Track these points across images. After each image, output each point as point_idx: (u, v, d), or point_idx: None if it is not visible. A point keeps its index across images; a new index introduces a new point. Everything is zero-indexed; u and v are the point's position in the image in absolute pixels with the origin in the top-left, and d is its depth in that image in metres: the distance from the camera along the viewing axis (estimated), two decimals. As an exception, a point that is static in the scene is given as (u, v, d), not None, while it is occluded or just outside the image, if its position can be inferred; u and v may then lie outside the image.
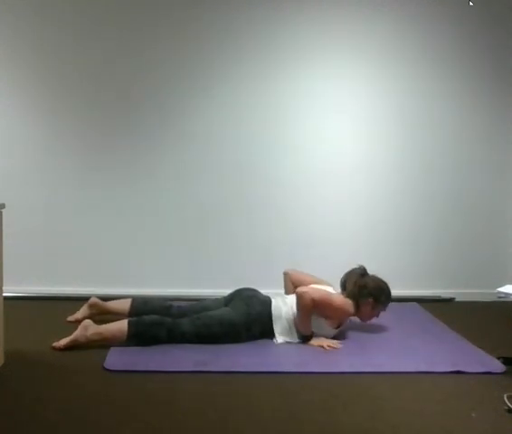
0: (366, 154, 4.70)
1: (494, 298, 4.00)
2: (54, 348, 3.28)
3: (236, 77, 4.61)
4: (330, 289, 3.71)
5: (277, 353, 3.40)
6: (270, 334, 3.57)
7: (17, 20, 4.49)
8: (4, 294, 3.12)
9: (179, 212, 4.64)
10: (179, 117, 4.61)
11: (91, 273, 4.57)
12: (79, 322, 3.52)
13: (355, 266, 3.75)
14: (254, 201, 4.66)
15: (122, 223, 4.62)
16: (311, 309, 3.47)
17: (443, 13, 4.65)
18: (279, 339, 3.54)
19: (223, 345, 3.40)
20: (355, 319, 3.77)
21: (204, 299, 3.84)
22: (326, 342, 3.49)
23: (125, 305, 3.74)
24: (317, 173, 4.68)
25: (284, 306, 3.61)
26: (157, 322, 3.40)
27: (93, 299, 3.84)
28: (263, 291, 3.75)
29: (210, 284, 4.52)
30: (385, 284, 3.70)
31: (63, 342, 3.30)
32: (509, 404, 2.65)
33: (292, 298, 3.66)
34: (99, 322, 3.45)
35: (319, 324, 3.55)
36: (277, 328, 3.56)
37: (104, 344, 3.30)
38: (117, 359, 3.15)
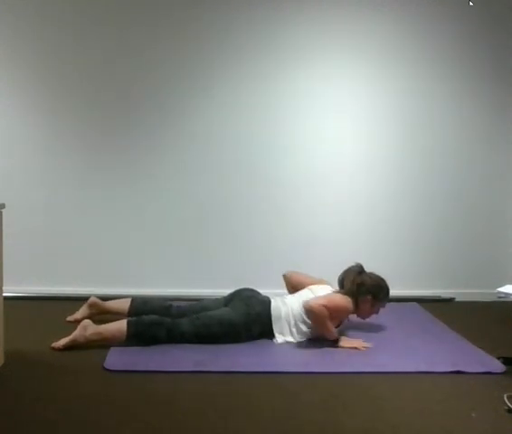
0: (366, 154, 4.70)
1: (494, 298, 4.00)
2: (54, 348, 3.28)
3: (236, 77, 4.61)
4: (329, 289, 3.71)
5: (277, 353, 3.40)
6: (269, 334, 3.57)
7: (17, 20, 4.49)
8: (4, 294, 3.12)
9: (179, 212, 4.64)
10: (179, 117, 4.61)
11: (91, 273, 4.57)
12: (78, 322, 3.51)
13: (352, 264, 3.75)
14: (254, 201, 4.66)
15: (122, 223, 4.62)
16: (327, 315, 3.43)
17: (443, 13, 4.65)
18: (279, 339, 3.54)
19: (223, 345, 3.40)
20: (355, 318, 3.77)
21: (204, 299, 3.84)
22: (357, 342, 3.49)
23: (124, 304, 3.74)
24: (317, 173, 4.68)
25: (283, 306, 3.61)
26: (157, 322, 3.40)
27: (92, 299, 3.84)
28: (263, 291, 3.74)
29: (210, 284, 4.52)
30: (383, 280, 3.70)
31: (63, 342, 3.30)
32: (509, 404, 2.65)
33: (292, 299, 3.66)
34: (98, 322, 3.45)
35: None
36: (276, 328, 3.56)
37: (103, 343, 3.30)
38: (117, 359, 3.15)
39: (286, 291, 3.91)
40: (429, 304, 4.49)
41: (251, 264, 4.60)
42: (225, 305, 3.66)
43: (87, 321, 3.38)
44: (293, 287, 3.83)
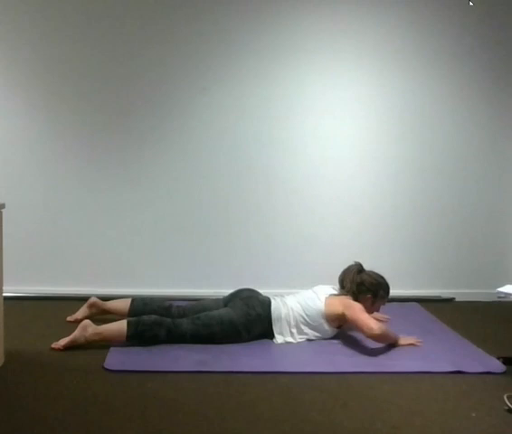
0: (366, 154, 4.70)
1: (494, 298, 4.00)
2: (54, 349, 3.28)
3: (236, 77, 4.61)
4: (329, 288, 3.71)
5: (277, 353, 3.40)
6: (269, 334, 3.57)
7: (17, 20, 4.49)
8: (4, 294, 3.12)
9: (179, 212, 4.64)
10: (179, 117, 4.61)
11: (91, 273, 4.56)
12: (78, 322, 3.51)
13: (351, 263, 3.75)
14: (254, 201, 4.66)
15: (122, 223, 4.62)
16: (384, 328, 3.44)
17: (443, 12, 4.65)
18: (279, 339, 3.54)
19: (223, 345, 3.40)
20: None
21: (204, 299, 3.84)
22: (412, 339, 3.51)
23: (124, 305, 3.74)
24: (317, 173, 4.68)
25: (284, 306, 3.61)
26: (157, 322, 3.40)
27: (93, 299, 3.84)
28: (263, 291, 3.74)
29: (210, 284, 4.52)
30: (383, 278, 3.69)
31: (63, 342, 3.30)
32: (509, 404, 2.65)
33: (293, 300, 3.65)
34: (98, 322, 3.45)
35: (321, 325, 3.56)
36: (276, 329, 3.56)
37: (103, 344, 3.29)
38: (117, 359, 3.15)
39: (286, 291, 3.91)
40: (429, 304, 4.49)
41: (251, 264, 4.60)
42: (225, 305, 3.66)
43: (87, 321, 3.38)
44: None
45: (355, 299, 3.61)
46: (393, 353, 3.38)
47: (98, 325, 3.37)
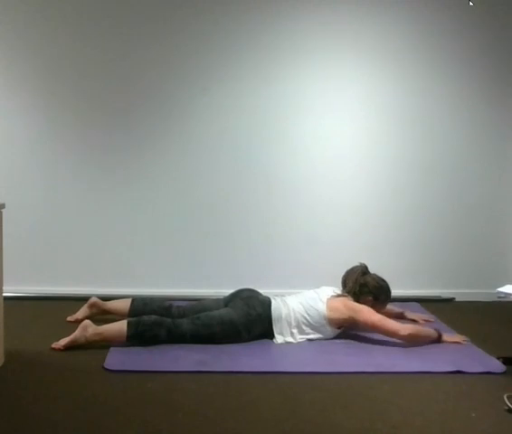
0: (366, 154, 4.70)
1: (494, 298, 4.00)
2: (54, 349, 3.28)
3: (235, 77, 4.61)
4: (331, 289, 3.71)
5: (277, 353, 3.40)
6: (269, 334, 3.57)
7: (17, 20, 4.49)
8: (4, 294, 3.12)
9: (179, 212, 4.64)
10: (179, 117, 4.61)
11: (91, 273, 4.57)
12: (78, 322, 3.51)
13: (356, 264, 3.75)
14: (254, 201, 4.66)
15: (122, 223, 4.62)
16: (414, 328, 3.55)
17: (443, 12, 4.65)
18: (279, 339, 3.54)
19: (223, 345, 3.40)
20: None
21: (204, 299, 3.84)
22: (459, 337, 3.54)
23: (125, 305, 3.74)
24: (317, 173, 4.68)
25: (284, 307, 3.60)
26: (157, 322, 3.40)
27: (93, 299, 3.84)
28: (263, 291, 3.74)
29: (210, 284, 4.52)
30: (386, 283, 3.70)
31: (63, 342, 3.30)
32: (509, 404, 2.65)
33: (295, 300, 3.65)
34: (98, 322, 3.45)
35: (322, 326, 3.56)
36: (276, 329, 3.56)
37: (103, 344, 3.29)
38: (117, 359, 3.15)
39: (286, 291, 3.91)
40: (429, 304, 4.49)
41: (251, 264, 4.60)
42: (225, 305, 3.66)
43: (87, 321, 3.37)
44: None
45: (356, 300, 3.61)
46: (393, 353, 3.38)
47: (98, 325, 3.37)
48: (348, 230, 4.69)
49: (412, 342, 3.46)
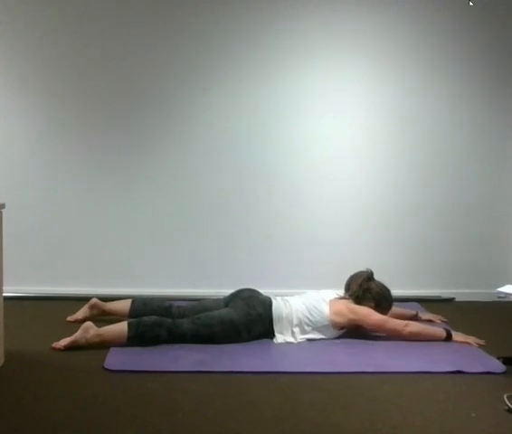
0: (366, 154, 4.70)
1: (494, 298, 4.00)
2: (54, 349, 3.28)
3: (235, 77, 4.61)
4: (333, 291, 3.71)
5: (277, 353, 3.40)
6: (270, 334, 3.57)
7: (17, 20, 4.49)
8: (4, 294, 3.12)
9: (179, 212, 4.64)
10: (179, 117, 4.61)
11: (91, 273, 4.57)
12: (79, 322, 3.52)
13: (362, 269, 3.74)
14: (254, 201, 4.66)
15: (122, 223, 4.62)
16: (419, 327, 3.60)
17: (443, 12, 4.65)
18: (279, 339, 3.54)
19: (223, 345, 3.40)
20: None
21: (205, 300, 3.84)
22: (471, 338, 3.54)
23: (125, 306, 3.74)
24: (317, 173, 4.68)
25: (285, 307, 3.60)
26: (157, 323, 3.39)
27: (93, 300, 3.84)
28: (263, 291, 3.74)
29: (210, 284, 4.52)
30: (389, 291, 3.71)
31: (63, 343, 3.30)
32: (509, 404, 2.65)
33: (298, 300, 3.65)
34: (99, 323, 3.44)
35: (324, 326, 3.56)
36: (277, 328, 3.56)
37: (104, 345, 3.29)
38: (117, 359, 3.15)
39: (286, 291, 3.91)
40: (429, 304, 4.49)
41: (251, 264, 4.60)
42: (226, 305, 3.66)
43: (89, 323, 3.37)
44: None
45: (358, 304, 3.62)
46: (393, 353, 3.38)
47: (98, 326, 3.37)
48: (348, 230, 4.69)
49: (416, 340, 3.49)
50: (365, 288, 3.65)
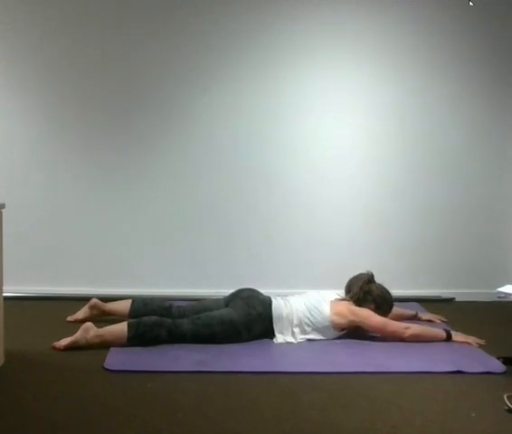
0: (366, 154, 4.70)
1: (494, 298, 4.00)
2: (54, 348, 3.28)
3: (235, 77, 4.62)
4: (334, 292, 3.71)
5: (277, 353, 3.40)
6: (270, 334, 3.57)
7: (17, 20, 4.49)
8: (4, 294, 3.12)
9: (179, 212, 4.64)
10: (179, 117, 4.61)
11: (91, 273, 4.56)
12: (79, 322, 3.52)
13: (362, 269, 3.74)
14: (254, 201, 4.66)
15: (122, 223, 4.62)
16: (419, 328, 3.61)
17: (443, 12, 4.65)
18: (279, 338, 3.54)
19: (223, 345, 3.40)
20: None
21: (205, 299, 3.84)
22: (471, 338, 3.54)
23: (125, 306, 3.74)
24: (317, 173, 4.68)
25: (286, 306, 3.60)
26: (158, 323, 3.39)
27: (94, 301, 3.84)
28: (263, 291, 3.74)
29: (210, 284, 4.52)
30: (389, 294, 3.71)
31: (64, 342, 3.30)
32: (509, 404, 2.65)
33: (299, 300, 3.65)
34: (99, 323, 3.44)
35: (325, 327, 3.56)
36: (277, 328, 3.56)
37: (104, 345, 3.29)
38: (117, 359, 3.15)
39: (286, 291, 3.91)
40: (429, 304, 4.49)
41: (251, 264, 4.60)
42: (226, 305, 3.66)
43: (89, 324, 3.37)
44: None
45: (359, 306, 3.62)
46: (393, 353, 3.38)
47: (98, 326, 3.37)
48: (348, 230, 4.69)
49: (417, 342, 3.49)
50: (365, 291, 3.65)
